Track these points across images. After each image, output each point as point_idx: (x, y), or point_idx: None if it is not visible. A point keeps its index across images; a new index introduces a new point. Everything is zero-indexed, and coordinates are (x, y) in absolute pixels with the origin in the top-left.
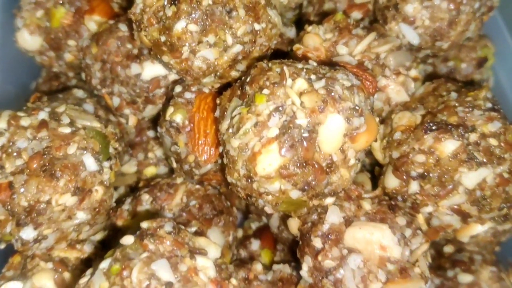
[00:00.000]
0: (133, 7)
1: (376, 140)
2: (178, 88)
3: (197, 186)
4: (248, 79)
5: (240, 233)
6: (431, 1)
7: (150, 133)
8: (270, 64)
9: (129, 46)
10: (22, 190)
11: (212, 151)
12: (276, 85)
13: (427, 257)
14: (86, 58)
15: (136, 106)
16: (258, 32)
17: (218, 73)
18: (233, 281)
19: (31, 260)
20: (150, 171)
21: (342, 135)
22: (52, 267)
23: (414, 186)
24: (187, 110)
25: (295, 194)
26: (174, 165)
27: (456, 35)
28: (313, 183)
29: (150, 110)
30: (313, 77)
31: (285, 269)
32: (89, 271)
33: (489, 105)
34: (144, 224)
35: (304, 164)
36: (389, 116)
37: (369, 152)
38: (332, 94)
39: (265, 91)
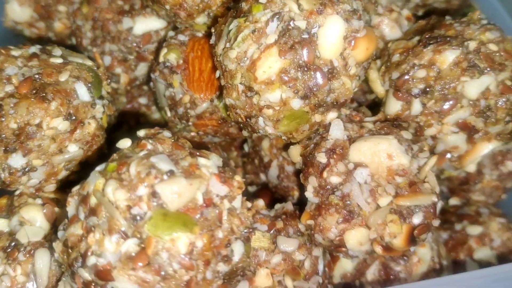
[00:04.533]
0: None
1: (368, 61)
2: (171, 33)
3: (192, 134)
4: None
5: None
6: None
7: (142, 100)
8: None
9: (120, 2)
10: (11, 112)
11: (208, 88)
12: None
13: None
14: (77, 19)
15: (128, 65)
16: None
17: (211, 12)
18: (237, 177)
19: (18, 198)
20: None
21: (342, 37)
22: (41, 202)
23: (416, 106)
24: (181, 51)
25: (296, 103)
26: (169, 114)
27: None
28: (315, 89)
29: (142, 68)
30: None
31: (288, 206)
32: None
33: (484, 21)
34: (141, 132)
35: (305, 68)
36: (385, 48)
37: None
38: None
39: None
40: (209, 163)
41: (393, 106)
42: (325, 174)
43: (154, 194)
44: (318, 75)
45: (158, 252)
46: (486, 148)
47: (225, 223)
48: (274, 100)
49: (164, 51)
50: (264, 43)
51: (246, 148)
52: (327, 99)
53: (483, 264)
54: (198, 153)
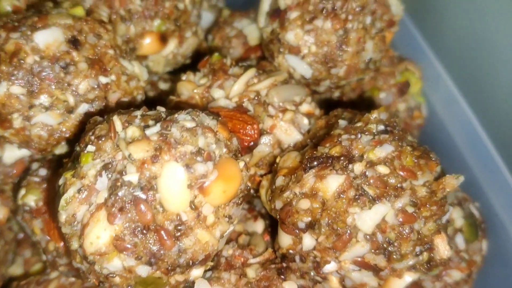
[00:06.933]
0: None
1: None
2: (34, 166)
3: (72, 280)
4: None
5: None
6: (312, 23)
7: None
8: (106, 116)
9: None
10: None
11: None
12: (102, 138)
13: None
14: None
15: (6, 196)
16: (107, 86)
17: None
18: None
19: None
20: (37, 269)
21: (185, 187)
22: None
23: (307, 241)
24: (42, 190)
25: (143, 270)
26: (44, 257)
27: (351, 58)
28: (161, 252)
29: None
30: (151, 122)
31: None
32: None
33: (381, 127)
34: None
35: (143, 230)
36: (275, 162)
37: None
38: (167, 139)
39: (90, 147)
40: None
41: (284, 240)
42: None
43: None
44: (161, 236)
45: None
46: (401, 282)
47: None
48: (116, 269)
49: (21, 192)
50: (95, 203)
51: None
52: (179, 261)
53: None
54: None
